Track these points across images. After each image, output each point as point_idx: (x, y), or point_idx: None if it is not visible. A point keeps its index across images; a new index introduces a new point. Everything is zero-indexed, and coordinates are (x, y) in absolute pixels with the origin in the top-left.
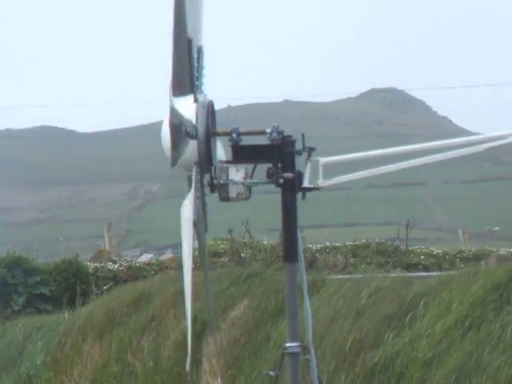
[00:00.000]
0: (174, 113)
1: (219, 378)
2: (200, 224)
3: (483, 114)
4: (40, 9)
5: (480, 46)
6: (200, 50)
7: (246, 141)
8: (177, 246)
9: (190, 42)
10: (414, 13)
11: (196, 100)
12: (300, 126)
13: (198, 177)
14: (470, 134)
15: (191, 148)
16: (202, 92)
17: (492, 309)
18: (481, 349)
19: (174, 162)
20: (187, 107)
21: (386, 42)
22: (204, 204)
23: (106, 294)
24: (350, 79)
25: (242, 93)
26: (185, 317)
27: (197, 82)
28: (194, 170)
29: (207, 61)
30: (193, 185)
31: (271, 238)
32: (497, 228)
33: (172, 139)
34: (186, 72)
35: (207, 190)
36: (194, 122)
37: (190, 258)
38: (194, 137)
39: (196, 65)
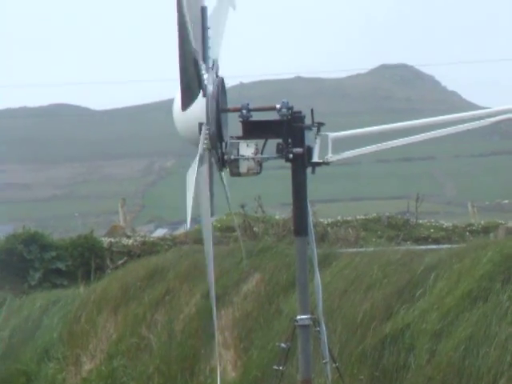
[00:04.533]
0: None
1: (232, 350)
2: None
3: (492, 89)
4: None
5: (490, 20)
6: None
7: (257, 117)
8: (191, 222)
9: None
10: None
11: (204, 94)
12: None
13: (206, 136)
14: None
15: (199, 115)
16: (213, 71)
17: (500, 280)
18: (489, 320)
19: (184, 106)
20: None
21: (395, 18)
22: (212, 185)
23: (120, 269)
24: (360, 55)
25: (254, 70)
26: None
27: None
28: (202, 129)
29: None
30: (200, 144)
31: (283, 213)
32: (506, 201)
33: (181, 77)
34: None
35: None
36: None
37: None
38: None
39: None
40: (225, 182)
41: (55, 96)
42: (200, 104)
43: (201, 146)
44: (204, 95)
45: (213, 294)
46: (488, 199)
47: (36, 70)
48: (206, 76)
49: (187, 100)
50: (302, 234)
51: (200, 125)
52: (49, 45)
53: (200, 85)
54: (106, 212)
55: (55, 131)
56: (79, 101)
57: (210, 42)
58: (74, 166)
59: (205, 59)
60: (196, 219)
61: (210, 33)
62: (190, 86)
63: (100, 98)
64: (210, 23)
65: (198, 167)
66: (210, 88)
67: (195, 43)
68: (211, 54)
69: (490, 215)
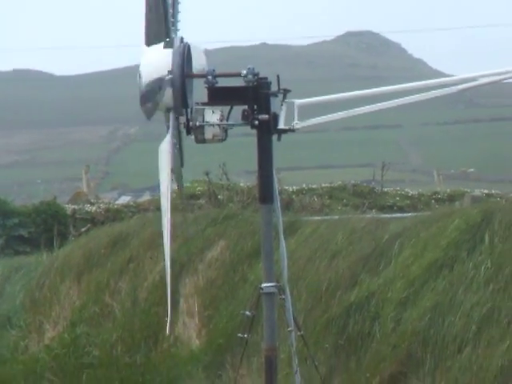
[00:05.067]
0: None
1: (196, 318)
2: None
3: (458, 57)
4: None
5: None
6: None
7: (222, 83)
8: (154, 189)
9: None
10: None
11: (171, 45)
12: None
13: (175, 121)
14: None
15: (168, 90)
16: (177, 35)
17: (466, 249)
18: (455, 289)
19: (148, 116)
20: (160, 55)
21: None
22: (180, 142)
23: (83, 236)
24: (326, 22)
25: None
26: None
27: (172, 27)
28: (171, 114)
29: (184, 4)
30: (170, 127)
31: (248, 181)
32: (471, 169)
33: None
34: (161, 19)
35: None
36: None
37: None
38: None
39: (171, 10)
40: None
41: (18, 61)
42: (165, 63)
43: (171, 131)
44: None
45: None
46: (453, 167)
47: None
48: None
49: (152, 37)
50: (268, 201)
51: (168, 110)
52: (12, 10)
53: (167, 27)
54: (69, 179)
55: (18, 96)
56: (42, 66)
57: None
58: (37, 131)
59: (174, 19)
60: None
61: None
62: (157, 22)
63: (63, 63)
64: None
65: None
66: (175, 53)
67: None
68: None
69: (456, 183)
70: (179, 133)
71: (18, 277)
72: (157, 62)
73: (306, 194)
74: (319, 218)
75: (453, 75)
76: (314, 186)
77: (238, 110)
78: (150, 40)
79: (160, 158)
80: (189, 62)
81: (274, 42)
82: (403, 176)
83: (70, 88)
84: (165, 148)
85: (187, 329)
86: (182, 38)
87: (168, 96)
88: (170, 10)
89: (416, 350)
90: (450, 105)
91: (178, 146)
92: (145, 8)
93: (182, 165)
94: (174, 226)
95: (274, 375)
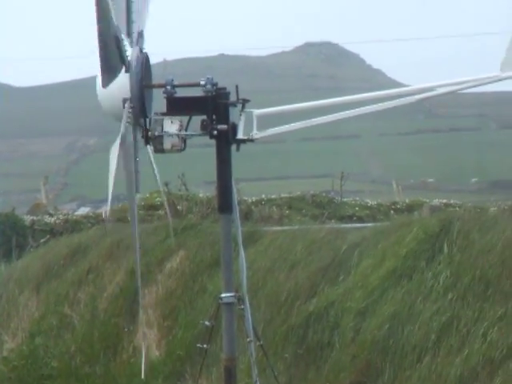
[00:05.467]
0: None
1: (155, 329)
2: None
3: (416, 68)
4: None
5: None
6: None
7: (181, 94)
8: (113, 200)
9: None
10: None
11: (126, 70)
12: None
13: (129, 112)
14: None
15: (123, 88)
16: (137, 46)
17: (425, 258)
18: (414, 298)
19: (104, 83)
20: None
21: None
22: (136, 162)
23: (42, 247)
24: (285, 33)
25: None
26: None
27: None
28: (125, 107)
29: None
30: (123, 120)
31: (207, 191)
32: (431, 180)
33: (101, 53)
34: (115, 55)
35: (141, 143)
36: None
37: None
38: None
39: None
40: (152, 157)
41: None
42: (124, 79)
43: (123, 123)
44: (127, 71)
45: (138, 272)
46: (413, 178)
47: None
48: (129, 51)
49: (108, 76)
50: (227, 211)
51: (124, 100)
52: None
53: (122, 60)
54: (28, 190)
55: None
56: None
57: (135, 15)
58: None
59: (129, 33)
60: (118, 197)
61: (134, 6)
62: (111, 62)
63: (20, 74)
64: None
65: (122, 144)
66: (134, 63)
67: (117, 18)
68: (136, 25)
69: (415, 193)
70: (137, 149)
71: None
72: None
73: (266, 205)
74: (279, 228)
75: (411, 85)
76: (273, 197)
77: (197, 120)
78: (109, 79)
79: (111, 162)
80: (147, 73)
81: (232, 52)
82: (363, 186)
83: (28, 99)
84: (114, 154)
85: (147, 340)
86: (140, 49)
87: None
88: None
89: (375, 359)
90: (409, 115)
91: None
92: (99, 47)
93: (137, 190)
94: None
95: None
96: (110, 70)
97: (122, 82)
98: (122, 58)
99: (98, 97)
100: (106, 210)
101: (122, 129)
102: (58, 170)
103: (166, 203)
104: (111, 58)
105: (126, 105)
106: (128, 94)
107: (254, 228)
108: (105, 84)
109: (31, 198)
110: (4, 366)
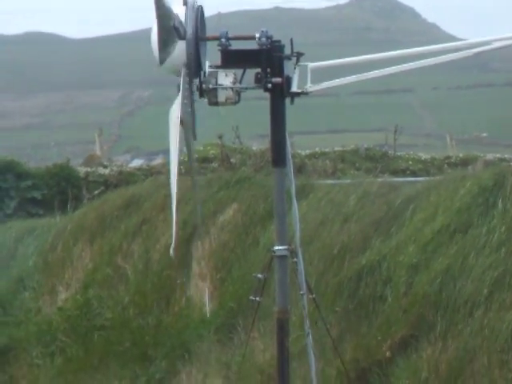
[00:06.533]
0: (160, 4)
1: (208, 281)
2: (188, 129)
3: (472, 22)
4: None
5: None
6: None
7: (236, 46)
8: (167, 152)
9: None
10: None
11: (185, 3)
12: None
13: (187, 79)
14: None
15: (180, 50)
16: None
17: (479, 213)
18: (467, 252)
19: (162, 60)
20: (176, 7)
21: None
22: (193, 111)
23: (96, 199)
24: None
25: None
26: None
27: None
28: (182, 72)
29: None
30: (181, 87)
31: (261, 144)
32: (484, 134)
33: (159, 36)
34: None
35: (196, 96)
36: (182, 20)
37: (177, 160)
38: (182, 36)
39: None
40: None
41: (31, 24)
42: (180, 48)
43: (182, 87)
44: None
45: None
46: (467, 132)
47: None
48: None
49: (163, 53)
50: (280, 164)
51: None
52: None
53: (178, 33)
54: (82, 142)
55: (31, 60)
56: (55, 29)
57: None
58: (50, 95)
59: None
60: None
61: None
62: (167, 37)
63: (76, 25)
64: None
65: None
66: (189, 13)
67: None
68: None
69: (469, 148)
70: (193, 100)
71: (30, 239)
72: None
73: (319, 158)
74: (332, 181)
75: (467, 40)
76: (326, 150)
77: (252, 73)
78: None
79: (171, 124)
80: (202, 25)
81: (287, 5)
82: (416, 140)
83: (83, 50)
84: (175, 116)
85: (199, 291)
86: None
87: (181, 56)
88: None
89: (427, 313)
90: (463, 69)
91: (190, 111)
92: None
93: (194, 138)
94: (187, 189)
95: (286, 337)
96: (166, 47)
97: (179, 50)
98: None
99: (152, 49)
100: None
101: (182, 91)
102: (112, 121)
103: (197, 190)
104: (167, 34)
105: (183, 71)
106: (183, 49)
107: (307, 181)
108: (161, 61)
109: (85, 150)
110: (58, 316)
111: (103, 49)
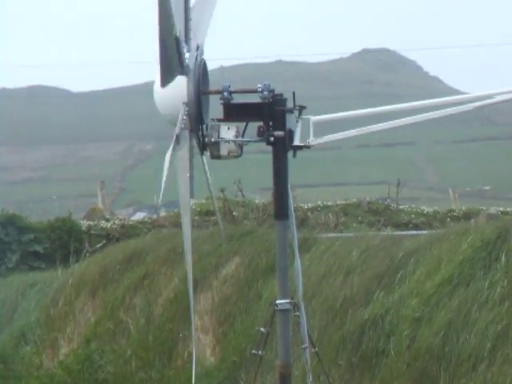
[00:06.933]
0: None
1: (210, 335)
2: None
3: (474, 75)
4: None
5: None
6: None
7: (238, 100)
8: (170, 205)
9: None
10: None
11: (186, 72)
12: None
13: (185, 116)
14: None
15: (180, 95)
16: (195, 52)
17: (481, 266)
18: (469, 306)
19: (163, 83)
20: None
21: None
22: (191, 168)
23: (99, 252)
24: (342, 39)
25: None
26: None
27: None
28: (181, 109)
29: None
30: (178, 123)
31: (263, 197)
32: (487, 187)
33: (161, 58)
34: (174, 57)
35: (195, 151)
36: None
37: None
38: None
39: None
40: (205, 165)
41: (34, 78)
42: (181, 84)
43: (178, 126)
44: (183, 73)
45: (190, 277)
46: (469, 185)
47: (14, 52)
48: (187, 55)
49: (167, 77)
50: (283, 217)
51: (183, 104)
52: (27, 27)
53: (181, 62)
54: (84, 195)
55: (33, 113)
56: (57, 82)
57: (195, 27)
58: (52, 148)
59: (186, 40)
60: (175, 202)
61: (194, 17)
62: (170, 62)
63: (78, 80)
64: (195, 9)
65: (177, 148)
66: (192, 68)
67: (176, 21)
68: (197, 39)
69: (472, 201)
70: (192, 155)
71: (32, 293)
72: (174, 92)
73: (321, 211)
74: (334, 234)
75: (469, 93)
76: (328, 203)
77: (254, 127)
78: (167, 79)
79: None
80: (205, 79)
81: (289, 58)
82: (418, 193)
83: (85, 104)
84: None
85: (202, 345)
86: (197, 47)
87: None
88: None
89: (431, 367)
90: (465, 122)
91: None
92: (159, 46)
93: (191, 196)
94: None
95: None
96: (169, 70)
97: (180, 85)
98: (181, 59)
99: (155, 101)
100: (158, 200)
101: (177, 130)
102: (115, 175)
103: (216, 211)
104: (171, 59)
105: (182, 108)
106: (185, 99)
107: (310, 234)
108: (163, 83)
109: (87, 203)
110: (60, 370)
111: (106, 102)
